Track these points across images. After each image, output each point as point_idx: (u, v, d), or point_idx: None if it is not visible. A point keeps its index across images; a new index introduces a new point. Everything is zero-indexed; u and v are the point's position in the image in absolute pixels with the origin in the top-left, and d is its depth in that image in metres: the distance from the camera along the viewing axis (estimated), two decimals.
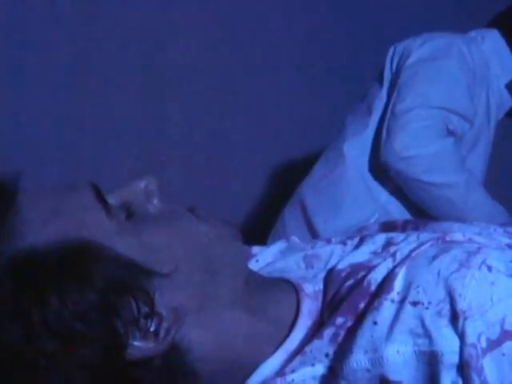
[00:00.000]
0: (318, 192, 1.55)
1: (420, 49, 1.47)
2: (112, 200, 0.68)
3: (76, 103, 1.82)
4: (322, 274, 0.75)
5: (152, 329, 0.63)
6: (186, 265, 0.66)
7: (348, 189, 1.51)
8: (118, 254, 0.64)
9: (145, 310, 0.63)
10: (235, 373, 0.67)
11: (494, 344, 0.60)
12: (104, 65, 1.85)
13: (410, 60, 1.47)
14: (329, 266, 0.76)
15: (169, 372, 0.64)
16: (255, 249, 0.84)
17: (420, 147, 1.38)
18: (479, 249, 0.66)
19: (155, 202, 0.70)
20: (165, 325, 0.64)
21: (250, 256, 0.82)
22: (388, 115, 1.44)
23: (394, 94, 1.45)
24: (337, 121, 1.60)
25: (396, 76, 1.49)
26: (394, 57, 1.52)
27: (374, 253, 0.75)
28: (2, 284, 0.61)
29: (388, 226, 0.86)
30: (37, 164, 1.67)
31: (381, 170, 1.47)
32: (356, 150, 1.51)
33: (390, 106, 1.44)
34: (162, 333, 0.64)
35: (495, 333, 0.60)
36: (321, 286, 0.73)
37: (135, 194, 0.70)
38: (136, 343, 0.63)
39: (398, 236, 0.77)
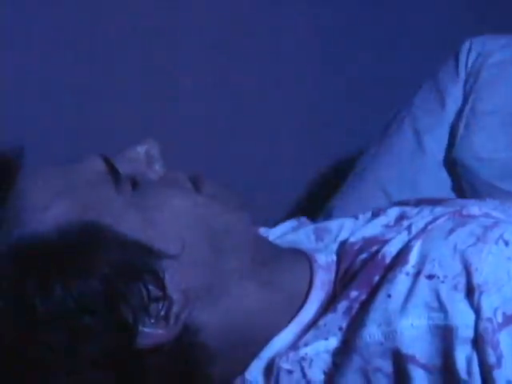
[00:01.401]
0: (392, 164, 1.44)
1: (503, 50, 1.43)
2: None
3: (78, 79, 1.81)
4: (334, 246, 0.75)
5: (162, 313, 0.62)
6: (191, 242, 0.64)
7: (426, 173, 1.41)
8: (125, 236, 0.62)
9: (155, 294, 0.61)
10: (248, 347, 0.67)
11: (510, 319, 0.59)
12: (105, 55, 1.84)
13: (493, 60, 1.42)
14: (340, 239, 0.76)
15: (180, 353, 0.63)
16: (262, 230, 0.83)
17: (500, 151, 1.32)
18: (496, 223, 0.65)
19: (157, 167, 0.68)
20: (175, 309, 0.62)
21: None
22: (466, 111, 1.38)
23: (474, 91, 1.40)
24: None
25: (473, 72, 1.43)
26: (470, 52, 1.45)
27: (387, 226, 0.75)
28: (5, 273, 0.59)
29: (401, 203, 0.86)
30: (39, 137, 1.66)
31: (449, 164, 1.42)
32: (436, 143, 1.40)
33: (470, 103, 1.38)
34: (172, 318, 0.62)
35: (511, 308, 0.60)
36: (333, 257, 0.72)
37: (136, 161, 0.67)
38: (146, 330, 0.61)
39: (411, 209, 0.77)
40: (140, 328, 0.61)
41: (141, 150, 0.68)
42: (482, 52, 1.44)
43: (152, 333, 0.61)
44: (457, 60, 1.47)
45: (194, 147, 1.85)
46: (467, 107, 1.39)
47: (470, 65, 1.44)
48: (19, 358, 0.59)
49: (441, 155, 1.42)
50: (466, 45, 1.47)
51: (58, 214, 0.61)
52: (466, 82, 1.45)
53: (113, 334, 0.60)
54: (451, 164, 1.39)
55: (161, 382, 0.63)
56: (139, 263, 0.61)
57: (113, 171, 0.65)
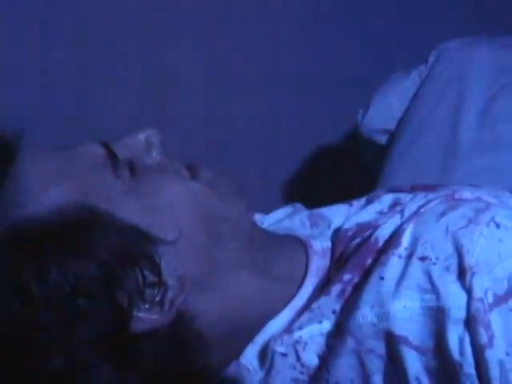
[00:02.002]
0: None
1: None
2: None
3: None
4: (328, 232, 0.75)
5: (157, 299, 0.62)
6: (188, 229, 0.64)
7: None
8: (122, 221, 0.62)
9: (150, 279, 0.61)
10: (244, 333, 0.67)
11: (500, 299, 0.60)
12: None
13: None
14: (334, 226, 0.76)
15: (175, 339, 0.63)
16: (257, 216, 0.83)
17: None
18: (488, 206, 0.66)
19: (154, 154, 0.68)
20: (170, 295, 0.62)
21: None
22: None
23: None
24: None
25: None
26: None
27: (381, 212, 0.75)
28: (2, 256, 0.59)
29: (395, 190, 0.86)
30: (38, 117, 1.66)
31: None
32: None
33: None
34: (166, 303, 0.62)
35: (502, 288, 0.60)
36: (328, 243, 0.73)
37: (135, 147, 0.67)
38: (141, 315, 0.61)
39: (405, 196, 0.77)
40: (135, 313, 0.61)
41: (141, 136, 0.68)
42: None
43: (146, 318, 0.61)
44: None
45: (192, 139, 1.86)
46: None
47: None
48: (16, 341, 0.59)
49: None
50: None
51: (55, 197, 0.61)
52: None
53: (107, 318, 0.60)
54: None
55: (158, 369, 0.63)
56: (136, 248, 0.62)
57: (111, 156, 0.65)
